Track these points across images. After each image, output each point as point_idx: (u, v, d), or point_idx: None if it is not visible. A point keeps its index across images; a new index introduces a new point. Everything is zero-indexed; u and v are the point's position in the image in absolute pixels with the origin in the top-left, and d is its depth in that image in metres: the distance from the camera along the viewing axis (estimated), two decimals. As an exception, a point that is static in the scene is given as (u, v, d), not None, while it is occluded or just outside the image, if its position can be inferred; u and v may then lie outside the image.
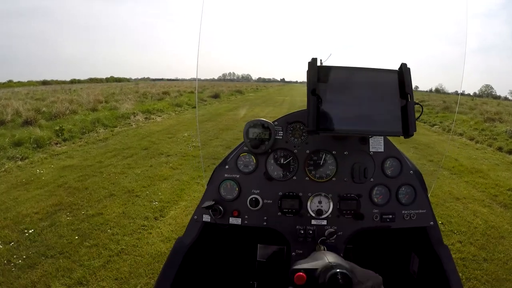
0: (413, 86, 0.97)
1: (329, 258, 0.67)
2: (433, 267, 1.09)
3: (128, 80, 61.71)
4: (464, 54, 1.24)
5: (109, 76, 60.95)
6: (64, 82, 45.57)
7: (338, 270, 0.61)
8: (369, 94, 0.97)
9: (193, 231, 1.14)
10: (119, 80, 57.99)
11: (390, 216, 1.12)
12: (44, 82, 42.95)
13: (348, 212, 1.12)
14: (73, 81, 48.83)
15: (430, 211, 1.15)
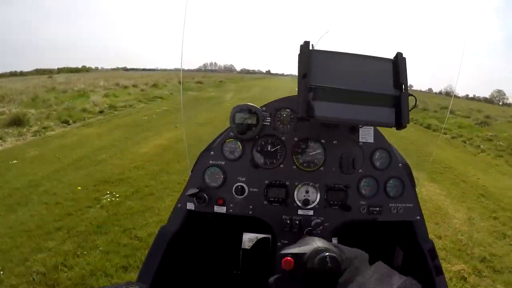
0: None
1: (318, 243, 0.65)
2: (417, 261, 1.09)
3: (87, 70, 54.83)
4: (462, 54, 1.21)
5: (63, 66, 53.39)
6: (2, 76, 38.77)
7: (326, 254, 0.59)
8: (362, 82, 0.94)
9: (177, 219, 1.11)
10: (77, 70, 51.08)
11: (377, 209, 1.11)
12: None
13: (336, 203, 1.10)
14: (12, 74, 41.90)
15: (417, 206, 1.14)
